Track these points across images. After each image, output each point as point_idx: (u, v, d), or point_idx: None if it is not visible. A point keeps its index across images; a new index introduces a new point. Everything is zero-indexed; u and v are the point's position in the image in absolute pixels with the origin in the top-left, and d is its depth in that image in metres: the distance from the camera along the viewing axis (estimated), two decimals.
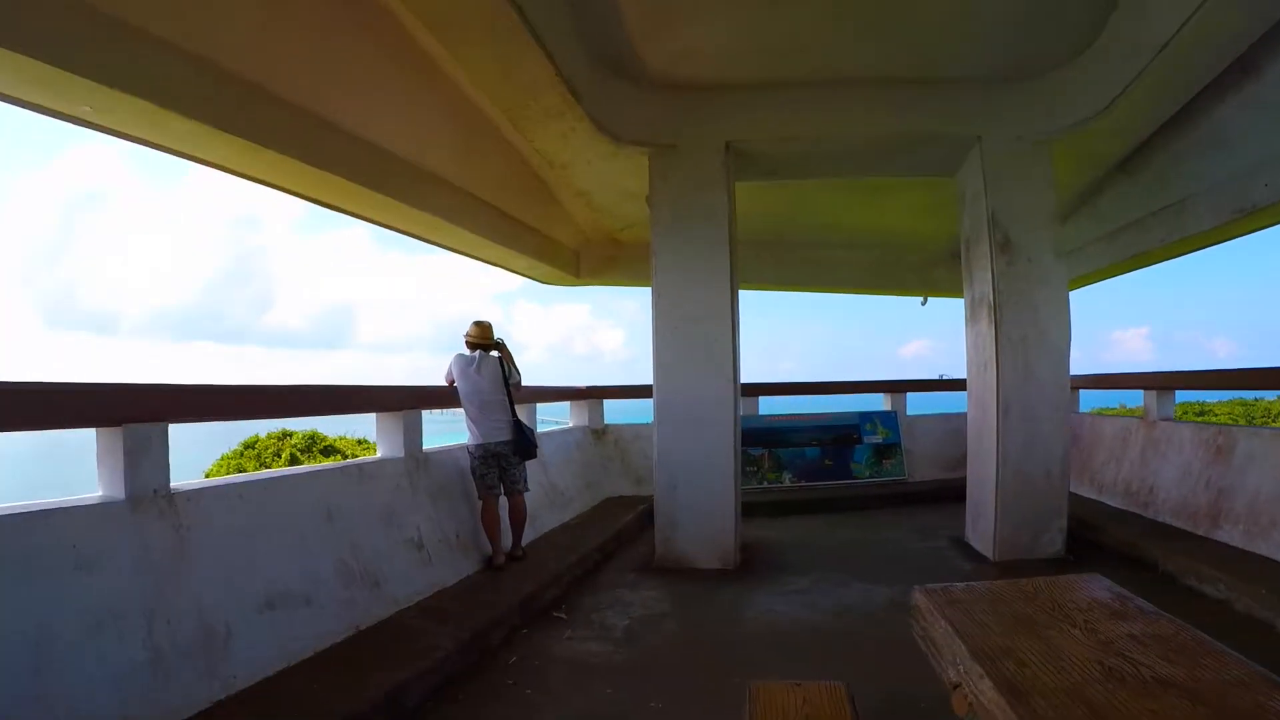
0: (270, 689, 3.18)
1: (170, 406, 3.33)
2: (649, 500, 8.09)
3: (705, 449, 6.20)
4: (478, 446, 5.45)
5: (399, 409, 5.05)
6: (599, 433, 8.94)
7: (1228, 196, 6.56)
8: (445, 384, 5.62)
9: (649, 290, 6.37)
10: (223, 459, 21.65)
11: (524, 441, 5.60)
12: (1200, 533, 5.74)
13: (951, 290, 10.30)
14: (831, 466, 9.24)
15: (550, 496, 7.11)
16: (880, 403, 10.02)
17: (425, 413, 5.35)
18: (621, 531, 7.14)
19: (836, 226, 9.61)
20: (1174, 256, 8.04)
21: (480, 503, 5.48)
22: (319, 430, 17.38)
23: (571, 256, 9.58)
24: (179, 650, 2.93)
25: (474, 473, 5.48)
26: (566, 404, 9.05)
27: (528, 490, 5.76)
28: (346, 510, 4.25)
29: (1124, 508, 6.86)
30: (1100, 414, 8.30)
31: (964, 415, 9.12)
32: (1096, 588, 2.47)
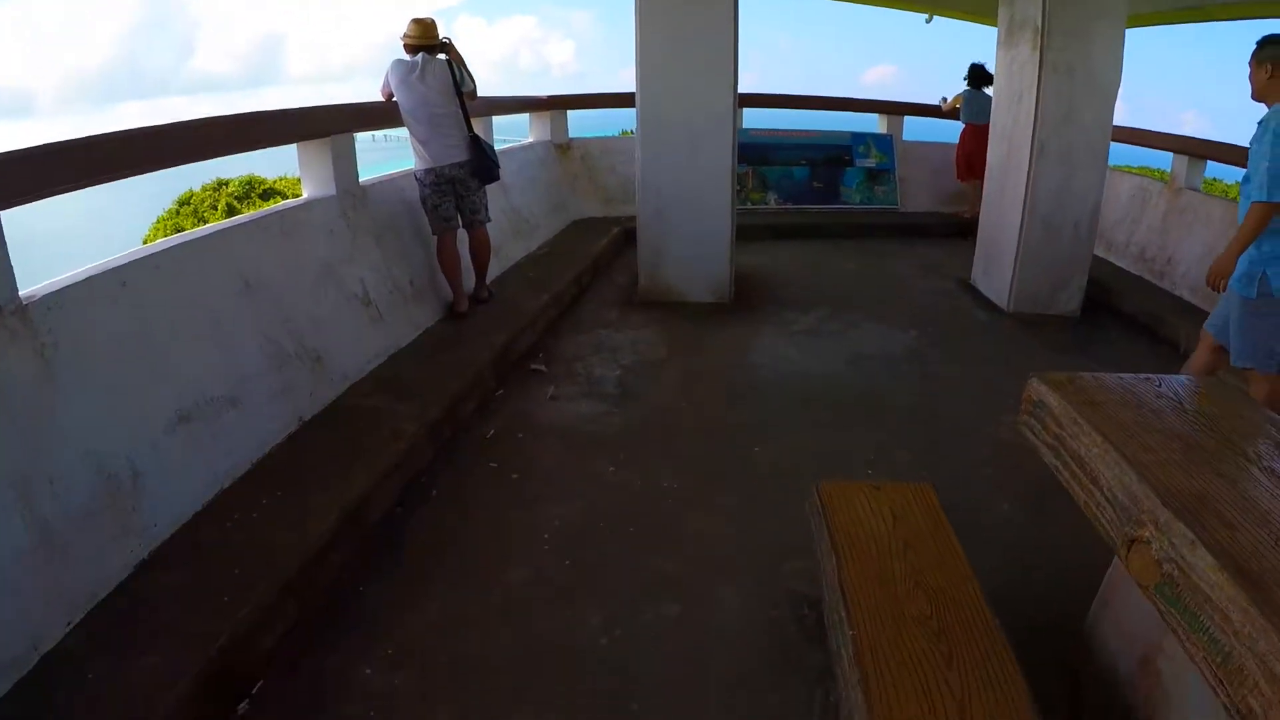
0: (201, 530, 2.48)
1: None
2: (622, 221, 7.42)
3: (698, 169, 5.32)
4: (428, 172, 4.45)
5: (325, 134, 3.94)
6: (563, 148, 7.83)
7: None
8: (382, 98, 4.48)
9: None
10: (159, 222, 20.13)
11: (484, 162, 4.60)
12: None
13: (963, 10, 8.87)
14: (821, 189, 8.45)
15: (514, 224, 6.26)
16: (875, 125, 8.98)
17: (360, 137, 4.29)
18: (597, 259, 6.46)
19: None
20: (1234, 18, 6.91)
21: (435, 240, 4.62)
22: (256, 174, 15.81)
23: None
24: (72, 516, 2.12)
25: (425, 204, 4.54)
26: (524, 119, 7.79)
27: (490, 220, 4.89)
28: (269, 274, 3.34)
29: (1137, 272, 6.34)
30: (1116, 170, 7.52)
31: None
32: (1234, 397, 1.87)
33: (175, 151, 2.99)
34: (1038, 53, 5.08)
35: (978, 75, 7.72)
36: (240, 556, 2.32)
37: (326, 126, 3.98)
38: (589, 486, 3.14)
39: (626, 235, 7.21)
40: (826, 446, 3.49)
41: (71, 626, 2.00)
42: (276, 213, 3.61)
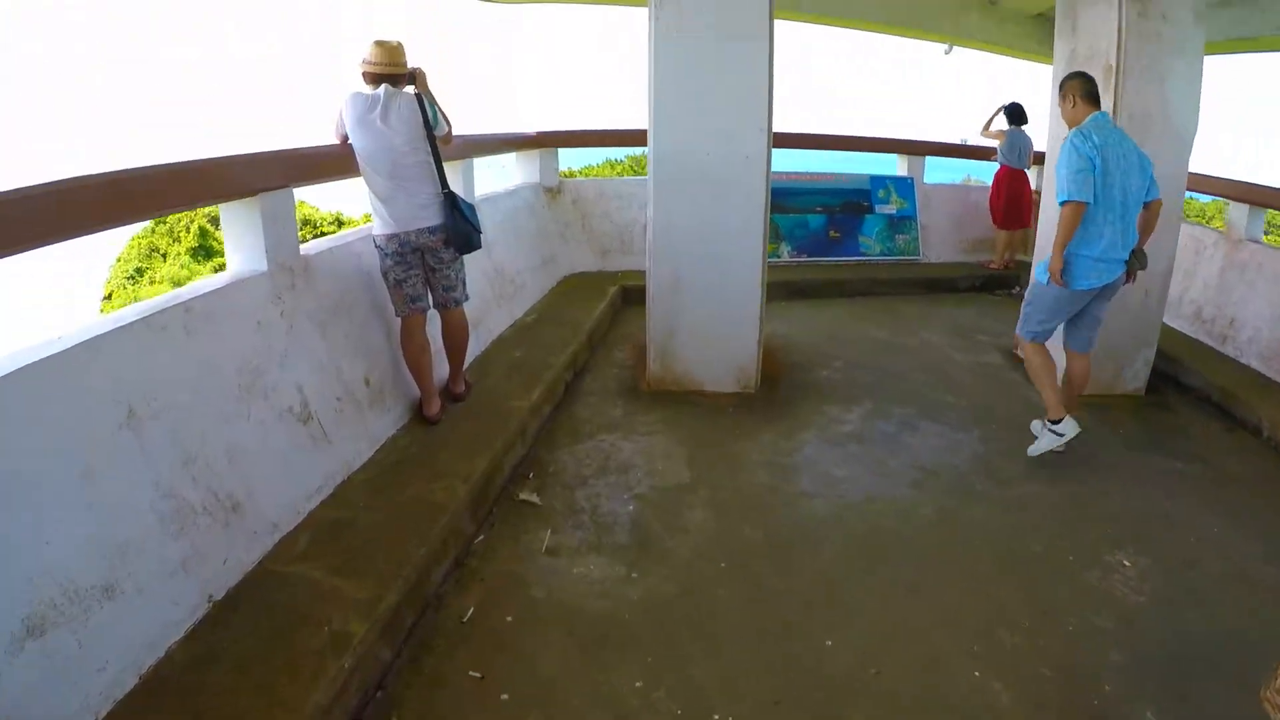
0: None
1: None
2: (619, 277, 6.54)
3: (723, 226, 4.40)
4: (390, 238, 3.44)
5: (253, 192, 2.91)
6: (553, 191, 6.85)
7: None
8: (335, 140, 3.47)
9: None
10: (133, 242, 18.84)
11: (462, 226, 3.59)
12: None
13: (982, 41, 8.33)
14: (838, 239, 7.56)
15: (496, 287, 5.24)
16: (894, 166, 8.17)
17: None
18: (593, 332, 5.45)
19: None
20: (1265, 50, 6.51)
21: (400, 322, 3.62)
22: None
23: None
24: None
25: (387, 278, 3.53)
26: (501, 158, 6.76)
27: (468, 299, 3.86)
28: (167, 393, 2.31)
29: (1193, 334, 5.56)
30: None
31: (986, 189, 7.67)
32: None
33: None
34: (1112, 97, 4.34)
35: (1017, 114, 7.30)
36: None
37: (256, 181, 2.94)
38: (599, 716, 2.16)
39: (625, 294, 6.30)
40: (915, 628, 2.59)
41: None
42: (179, 304, 2.50)
